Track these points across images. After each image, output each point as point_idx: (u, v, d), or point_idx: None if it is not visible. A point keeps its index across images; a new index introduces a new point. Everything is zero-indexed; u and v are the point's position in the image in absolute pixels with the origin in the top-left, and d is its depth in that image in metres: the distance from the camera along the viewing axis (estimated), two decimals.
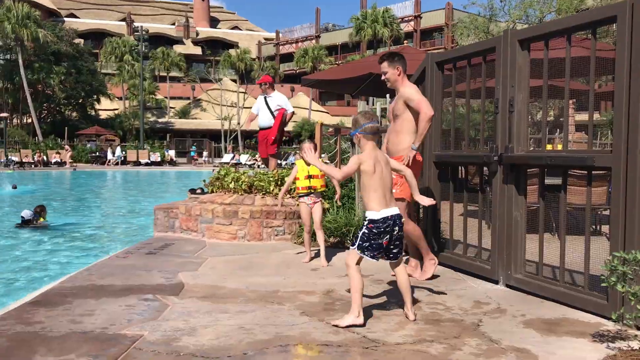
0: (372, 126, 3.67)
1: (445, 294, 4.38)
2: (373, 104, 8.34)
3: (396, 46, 39.00)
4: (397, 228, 3.60)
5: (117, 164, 38.60)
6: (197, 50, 78.89)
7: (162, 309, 3.90)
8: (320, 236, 5.63)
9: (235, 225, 6.81)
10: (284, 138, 11.53)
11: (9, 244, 8.89)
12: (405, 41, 57.96)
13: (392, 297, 4.26)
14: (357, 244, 3.59)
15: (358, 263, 3.61)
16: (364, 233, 3.57)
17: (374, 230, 3.54)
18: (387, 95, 7.99)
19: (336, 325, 3.52)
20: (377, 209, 3.57)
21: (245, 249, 6.35)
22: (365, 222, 3.60)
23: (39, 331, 3.40)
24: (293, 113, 8.92)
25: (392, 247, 3.63)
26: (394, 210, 3.62)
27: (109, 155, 39.57)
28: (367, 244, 3.56)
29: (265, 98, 8.77)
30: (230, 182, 7.41)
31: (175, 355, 3.02)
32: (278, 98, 8.77)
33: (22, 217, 10.04)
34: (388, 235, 3.58)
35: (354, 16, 60.26)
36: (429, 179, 5.49)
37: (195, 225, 7.07)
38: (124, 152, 39.82)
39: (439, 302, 4.14)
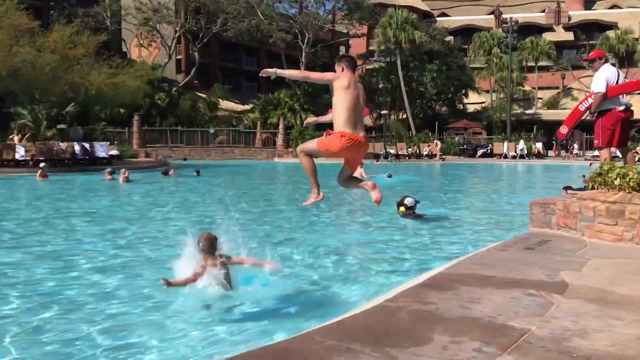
0: None
1: None
2: None
3: None
4: None
5: (515, 157, 38.47)
6: (568, 36, 74.42)
7: (547, 306, 3.86)
8: None
9: (620, 225, 6.25)
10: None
11: (389, 230, 9.88)
12: None
13: None
14: None
15: None
16: None
17: None
18: None
19: None
20: None
21: (633, 252, 5.78)
22: None
23: (433, 311, 3.74)
24: (603, 95, 7.45)
25: None
26: None
27: (504, 149, 39.48)
28: None
29: None
30: (615, 179, 6.82)
31: (567, 355, 2.97)
32: (595, 77, 7.57)
33: (405, 204, 11.04)
34: None
35: None
36: None
37: (573, 222, 6.74)
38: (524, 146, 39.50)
39: None
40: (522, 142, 39.90)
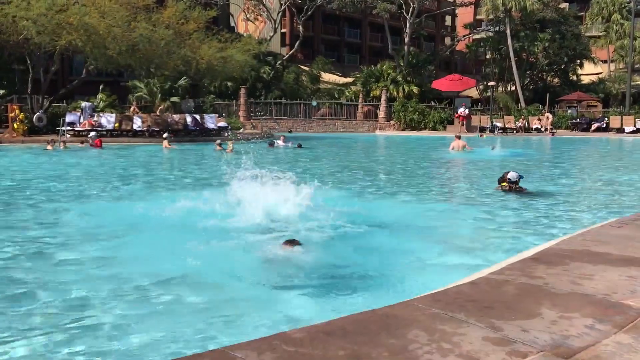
0: None
1: None
2: None
3: None
4: None
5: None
6: None
7: None
8: None
9: None
10: None
11: (489, 204, 9.53)
12: None
13: None
14: None
15: None
16: None
17: None
18: None
19: None
20: None
21: None
22: None
23: (542, 286, 3.64)
24: None
25: None
26: None
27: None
28: None
29: None
30: None
31: None
32: None
33: (508, 178, 10.64)
34: None
35: None
36: None
37: None
38: None
39: None
40: None
